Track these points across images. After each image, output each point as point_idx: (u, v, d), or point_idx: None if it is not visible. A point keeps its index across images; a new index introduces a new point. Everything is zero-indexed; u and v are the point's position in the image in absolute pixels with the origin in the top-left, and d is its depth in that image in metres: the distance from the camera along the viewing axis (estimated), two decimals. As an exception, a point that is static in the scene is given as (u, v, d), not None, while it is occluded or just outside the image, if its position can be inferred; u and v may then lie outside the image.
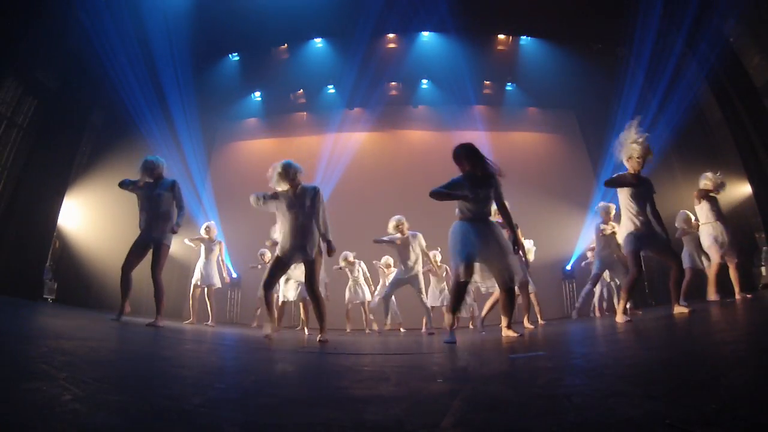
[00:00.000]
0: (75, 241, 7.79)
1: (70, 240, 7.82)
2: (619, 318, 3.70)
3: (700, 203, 4.80)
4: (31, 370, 1.18)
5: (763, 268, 6.95)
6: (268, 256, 6.88)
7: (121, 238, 7.99)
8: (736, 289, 4.60)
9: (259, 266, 7.33)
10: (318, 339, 3.47)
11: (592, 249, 6.59)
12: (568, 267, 9.91)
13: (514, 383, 1.27)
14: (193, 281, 6.47)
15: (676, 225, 5.68)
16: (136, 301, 8.02)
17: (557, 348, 2.34)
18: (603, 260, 5.53)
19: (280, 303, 6.02)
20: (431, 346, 3.09)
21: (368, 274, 7.42)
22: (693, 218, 5.55)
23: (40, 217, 6.57)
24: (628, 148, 3.62)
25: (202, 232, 6.62)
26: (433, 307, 6.46)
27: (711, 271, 4.73)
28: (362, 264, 7.38)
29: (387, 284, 6.32)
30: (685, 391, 0.94)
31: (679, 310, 3.62)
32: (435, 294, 6.87)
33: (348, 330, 6.99)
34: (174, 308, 9.32)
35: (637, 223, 3.60)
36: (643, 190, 3.65)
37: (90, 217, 7.87)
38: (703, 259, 5.21)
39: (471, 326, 6.88)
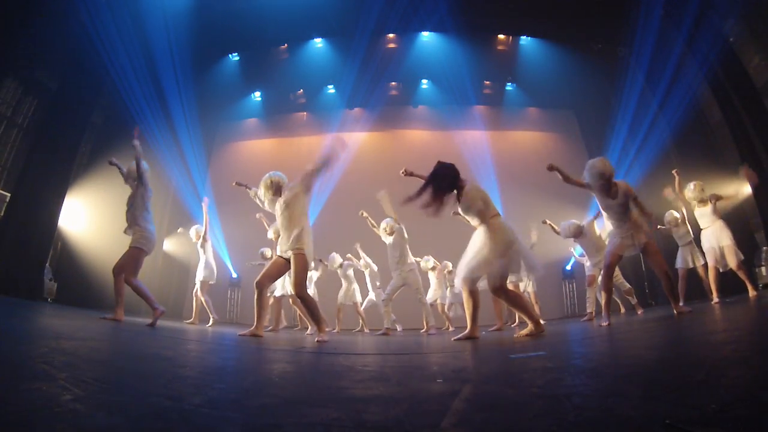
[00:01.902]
0: (75, 241, 7.80)
1: (70, 240, 7.82)
2: (603, 320, 3.69)
3: (707, 205, 4.86)
4: (31, 370, 1.18)
5: (763, 268, 6.94)
6: (269, 253, 6.82)
7: (121, 238, 8.03)
8: (749, 287, 4.68)
9: (259, 263, 7.22)
10: (315, 339, 3.46)
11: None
12: (568, 267, 9.91)
13: (514, 383, 1.27)
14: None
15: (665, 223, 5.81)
16: (138, 300, 8.03)
17: (557, 348, 2.34)
18: (596, 264, 5.59)
19: (274, 299, 6.02)
20: (431, 346, 3.08)
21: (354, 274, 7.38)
22: (678, 217, 5.66)
23: (40, 217, 6.57)
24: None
25: (193, 235, 6.42)
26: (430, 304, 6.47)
27: (710, 275, 4.86)
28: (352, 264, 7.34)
29: (386, 287, 6.32)
30: (685, 391, 0.94)
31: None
32: (435, 292, 6.87)
33: (336, 330, 6.95)
34: (174, 308, 9.32)
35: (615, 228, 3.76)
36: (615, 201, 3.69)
37: (90, 217, 7.88)
38: (698, 258, 5.30)
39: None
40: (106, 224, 7.78)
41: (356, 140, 11.10)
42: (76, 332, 2.57)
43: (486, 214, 3.25)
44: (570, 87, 10.07)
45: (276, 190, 3.77)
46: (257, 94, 11.50)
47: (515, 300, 3.37)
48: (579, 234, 5.66)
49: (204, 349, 2.55)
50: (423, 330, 5.82)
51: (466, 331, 3.30)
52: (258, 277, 3.66)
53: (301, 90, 11.30)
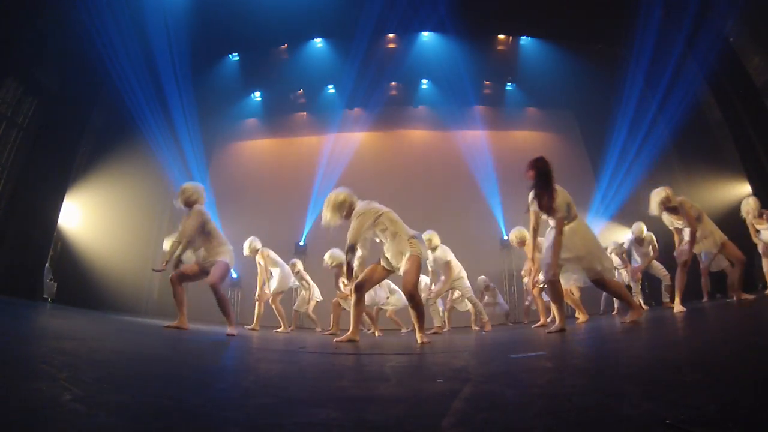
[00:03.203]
0: (75, 241, 7.79)
1: (70, 240, 7.82)
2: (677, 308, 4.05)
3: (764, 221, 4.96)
4: (31, 370, 1.18)
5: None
6: (299, 266, 6.78)
7: (121, 238, 8.03)
8: None
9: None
10: (419, 342, 3.13)
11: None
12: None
13: (514, 383, 1.27)
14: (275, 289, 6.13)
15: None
16: (139, 300, 8.01)
17: (557, 348, 2.34)
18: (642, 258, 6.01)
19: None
20: (431, 346, 3.08)
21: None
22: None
23: (40, 217, 6.56)
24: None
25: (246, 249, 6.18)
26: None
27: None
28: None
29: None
30: (685, 391, 0.94)
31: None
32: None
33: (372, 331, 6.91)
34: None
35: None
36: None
37: (90, 218, 7.87)
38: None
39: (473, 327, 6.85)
40: (105, 224, 7.78)
41: (356, 140, 11.11)
42: (76, 332, 2.57)
43: (568, 217, 3.40)
44: (570, 87, 10.06)
45: (348, 211, 3.74)
46: (257, 94, 11.49)
47: (617, 287, 3.56)
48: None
49: (204, 349, 2.55)
50: (431, 331, 5.82)
51: (557, 323, 3.42)
52: (359, 281, 3.45)
53: (301, 90, 11.29)
